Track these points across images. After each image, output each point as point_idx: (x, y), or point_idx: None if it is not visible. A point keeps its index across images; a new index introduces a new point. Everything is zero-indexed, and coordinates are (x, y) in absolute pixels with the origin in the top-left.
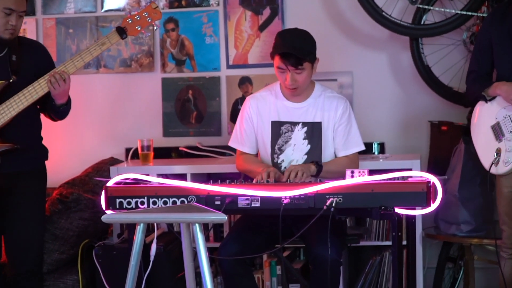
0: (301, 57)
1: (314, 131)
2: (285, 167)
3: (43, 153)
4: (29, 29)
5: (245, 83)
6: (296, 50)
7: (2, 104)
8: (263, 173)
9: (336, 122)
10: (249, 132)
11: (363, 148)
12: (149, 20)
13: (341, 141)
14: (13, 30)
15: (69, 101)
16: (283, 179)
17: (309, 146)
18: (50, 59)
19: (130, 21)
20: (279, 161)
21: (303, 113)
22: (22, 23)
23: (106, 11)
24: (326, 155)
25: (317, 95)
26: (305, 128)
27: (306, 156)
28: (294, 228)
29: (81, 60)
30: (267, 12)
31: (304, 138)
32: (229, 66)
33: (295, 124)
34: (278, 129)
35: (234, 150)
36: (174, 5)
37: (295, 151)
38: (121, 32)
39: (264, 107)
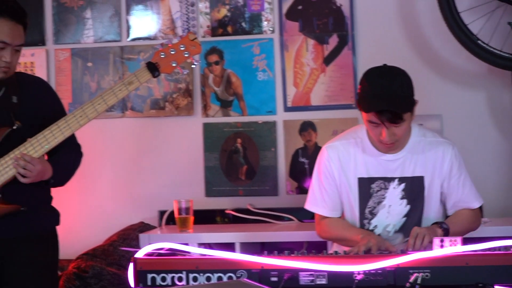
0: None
1: (414, 188)
2: (379, 234)
3: (53, 216)
4: (37, 62)
5: (307, 129)
6: (395, 104)
7: (5, 157)
8: (361, 246)
9: (446, 176)
10: (330, 191)
11: (482, 202)
12: (186, 55)
13: (458, 195)
14: (7, 68)
15: (56, 175)
16: (409, 248)
17: (408, 206)
18: (55, 98)
19: (163, 56)
20: (371, 227)
21: (399, 166)
22: (19, 58)
23: (133, 39)
24: (430, 217)
25: (416, 142)
26: (403, 185)
27: (405, 219)
28: None
29: (103, 103)
30: (334, 40)
31: (402, 198)
32: (287, 109)
33: (389, 180)
34: (368, 187)
35: (295, 214)
36: (218, 33)
37: (391, 213)
38: (153, 68)
39: (348, 160)
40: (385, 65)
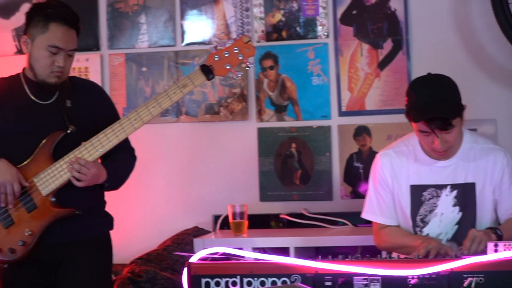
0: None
1: (466, 195)
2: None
3: (107, 221)
4: (92, 67)
5: (362, 134)
6: (443, 111)
7: (59, 161)
8: (421, 249)
9: (497, 183)
10: (386, 198)
11: None
12: (240, 57)
13: (509, 203)
14: (60, 73)
15: (110, 178)
16: (465, 250)
17: (460, 213)
18: (109, 102)
19: (217, 58)
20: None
21: (451, 173)
22: (72, 63)
23: (188, 44)
24: (483, 225)
25: (467, 148)
26: (455, 192)
27: (457, 226)
28: None
29: (157, 106)
30: (388, 45)
31: (454, 205)
32: (341, 113)
33: (441, 187)
34: (420, 195)
35: (349, 218)
36: (273, 37)
37: (443, 222)
38: (207, 71)
39: (401, 167)
40: (429, 73)
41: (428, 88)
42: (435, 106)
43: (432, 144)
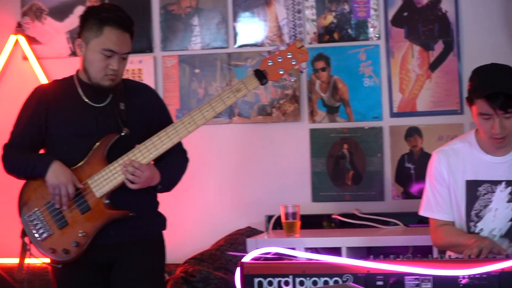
0: None
1: None
2: None
3: (159, 221)
4: (145, 69)
5: (413, 135)
6: (507, 88)
7: (113, 163)
8: (474, 247)
9: None
10: (444, 194)
11: None
12: (294, 63)
13: None
14: (114, 76)
15: (164, 181)
16: None
17: None
18: (161, 104)
19: (270, 63)
20: (476, 230)
21: (507, 169)
22: (126, 66)
23: (240, 46)
24: None
25: None
26: (510, 188)
27: (510, 223)
28: None
29: (211, 110)
30: (439, 47)
31: (509, 201)
32: (393, 114)
33: (496, 183)
34: (475, 190)
35: (401, 218)
36: (324, 39)
37: (497, 217)
38: (260, 76)
39: (457, 163)
40: (492, 63)
41: (492, 71)
42: (498, 84)
43: (491, 129)
